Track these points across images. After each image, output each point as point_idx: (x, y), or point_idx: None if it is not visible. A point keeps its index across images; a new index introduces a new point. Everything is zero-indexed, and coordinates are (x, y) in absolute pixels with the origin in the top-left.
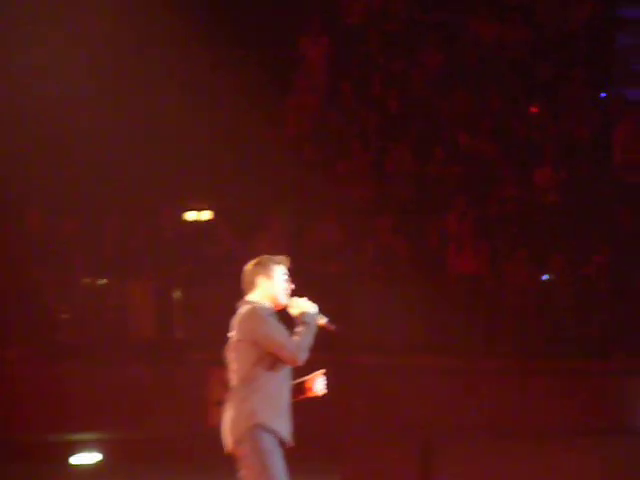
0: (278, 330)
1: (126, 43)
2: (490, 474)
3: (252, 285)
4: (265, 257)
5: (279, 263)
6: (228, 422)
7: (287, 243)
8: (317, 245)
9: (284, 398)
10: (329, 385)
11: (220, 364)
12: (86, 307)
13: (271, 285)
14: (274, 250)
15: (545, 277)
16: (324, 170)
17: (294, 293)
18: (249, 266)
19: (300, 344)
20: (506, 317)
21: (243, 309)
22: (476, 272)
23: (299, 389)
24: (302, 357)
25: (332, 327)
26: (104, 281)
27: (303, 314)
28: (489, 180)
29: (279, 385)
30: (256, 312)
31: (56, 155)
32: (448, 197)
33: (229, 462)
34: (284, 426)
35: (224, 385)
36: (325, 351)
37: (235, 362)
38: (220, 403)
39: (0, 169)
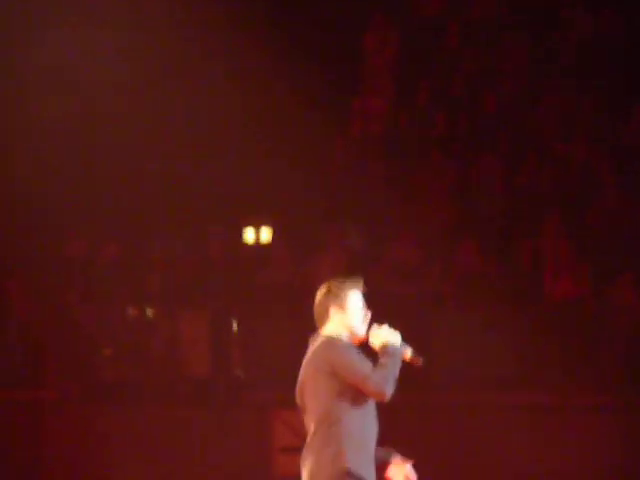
0: (360, 360)
1: (184, 51)
2: None
3: (325, 317)
4: (335, 283)
5: (352, 288)
6: (308, 473)
7: (354, 264)
8: (390, 267)
9: (371, 439)
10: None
11: (285, 405)
12: (131, 341)
13: (346, 316)
14: (340, 273)
15: None
16: (396, 184)
17: (372, 320)
18: (319, 296)
19: (386, 375)
20: (612, 346)
21: (318, 342)
22: (575, 296)
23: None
24: (389, 389)
25: (419, 361)
26: (151, 312)
27: (386, 345)
28: (588, 190)
29: (365, 423)
30: (334, 342)
31: (97, 175)
32: (541, 211)
33: None
34: (372, 473)
35: (290, 429)
36: (400, 389)
37: (311, 400)
38: (286, 450)
39: (39, 193)
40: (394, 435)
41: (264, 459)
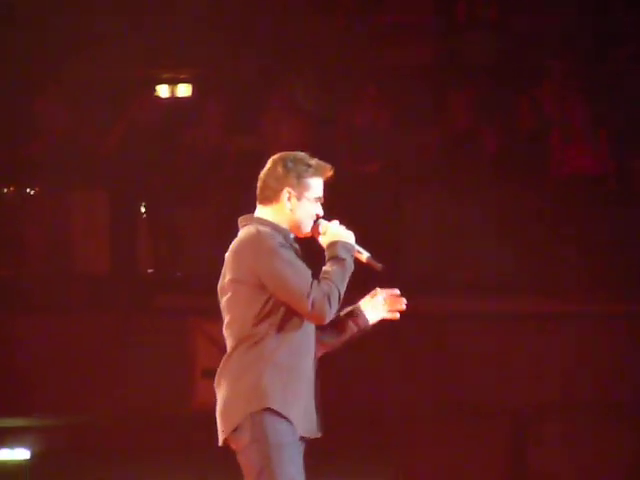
0: (295, 269)
1: None
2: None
3: (271, 197)
4: (299, 160)
5: (317, 174)
6: (221, 402)
7: (303, 130)
8: (350, 135)
9: (307, 368)
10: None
11: (207, 314)
12: (7, 231)
13: (298, 206)
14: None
15: None
16: (363, 21)
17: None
18: (272, 167)
19: (328, 291)
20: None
21: (244, 231)
22: (592, 171)
23: (351, 319)
24: (330, 311)
25: (377, 265)
26: (33, 192)
27: (335, 246)
28: (604, 33)
29: (298, 350)
30: (262, 238)
31: None
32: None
33: (218, 457)
34: (304, 413)
35: (214, 345)
36: (366, 292)
37: (230, 313)
38: (208, 373)
39: None
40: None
41: (181, 383)
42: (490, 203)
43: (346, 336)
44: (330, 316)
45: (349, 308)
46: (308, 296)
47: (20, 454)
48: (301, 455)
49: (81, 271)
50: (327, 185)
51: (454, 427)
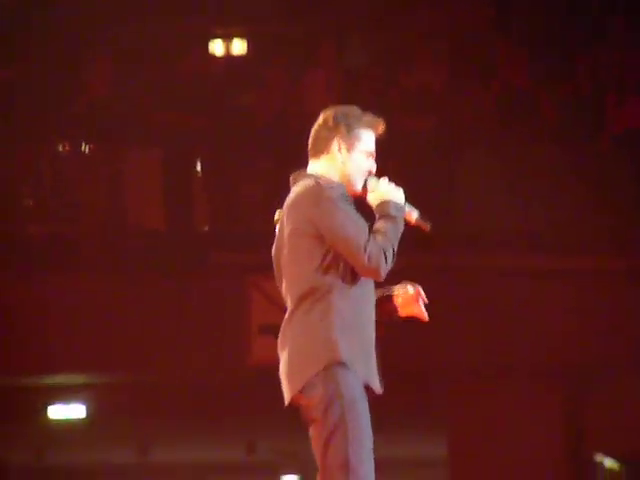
0: (352, 220)
1: None
2: None
3: (322, 150)
4: (349, 112)
5: (368, 127)
6: (288, 360)
7: (354, 90)
8: (404, 93)
9: (369, 324)
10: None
11: (264, 271)
12: (60, 187)
13: (349, 158)
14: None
15: None
16: None
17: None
18: (323, 120)
19: (383, 246)
20: None
21: (300, 185)
22: None
23: (383, 308)
24: (386, 266)
25: (426, 225)
26: (87, 148)
27: (386, 204)
28: None
29: (362, 300)
30: (321, 189)
31: None
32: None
33: (278, 417)
34: (371, 366)
35: (270, 301)
36: (417, 250)
37: (290, 269)
38: (266, 328)
39: None
40: None
41: (237, 339)
42: (542, 163)
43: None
44: (385, 271)
45: (385, 292)
46: (365, 249)
47: (76, 410)
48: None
49: (136, 229)
50: (379, 142)
51: (504, 386)
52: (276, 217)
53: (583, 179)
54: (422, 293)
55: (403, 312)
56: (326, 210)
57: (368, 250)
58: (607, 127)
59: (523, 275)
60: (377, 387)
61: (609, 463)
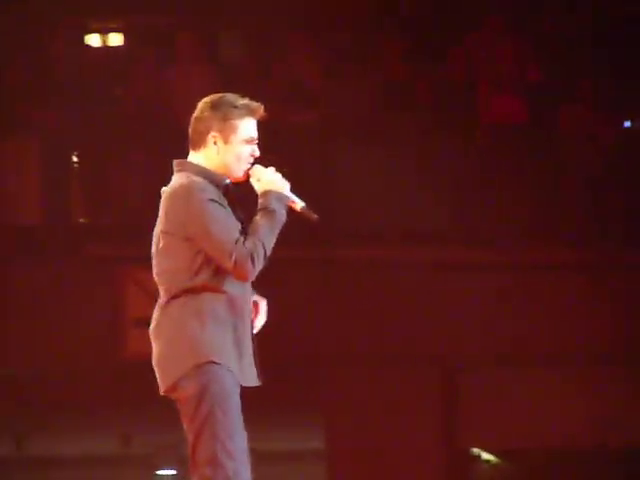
0: (220, 224)
1: None
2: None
3: (200, 142)
4: (227, 101)
5: (247, 114)
6: (161, 353)
7: (231, 82)
8: (283, 85)
9: (243, 321)
10: (311, 290)
11: (140, 263)
12: None
13: (228, 149)
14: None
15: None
16: None
17: (257, 160)
18: (200, 110)
19: (252, 248)
20: (572, 189)
21: (175, 180)
22: (517, 119)
23: None
24: (254, 268)
25: (312, 216)
26: None
27: (267, 195)
28: None
29: (237, 301)
30: (191, 191)
31: None
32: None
33: (154, 409)
34: (245, 363)
35: (146, 294)
36: (302, 244)
37: (162, 263)
38: (141, 321)
39: None
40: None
41: (112, 331)
42: (422, 153)
43: None
44: (253, 273)
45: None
46: (231, 255)
47: None
48: (239, 401)
49: (13, 221)
50: (261, 129)
51: (384, 374)
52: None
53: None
54: (260, 309)
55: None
56: (194, 214)
57: (235, 255)
58: (483, 119)
59: (402, 267)
60: (254, 381)
61: (486, 456)
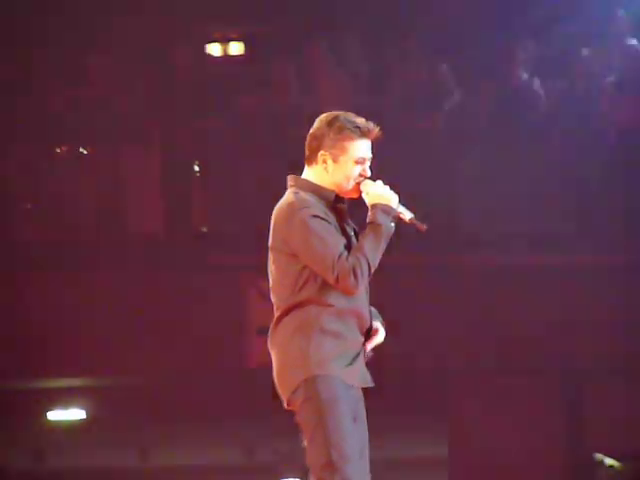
0: (323, 240)
1: None
2: None
3: (312, 159)
4: (342, 119)
5: (361, 136)
6: (276, 367)
7: (352, 92)
8: (400, 91)
9: (354, 333)
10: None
11: (264, 272)
12: (59, 189)
13: (335, 169)
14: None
15: None
16: None
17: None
18: (316, 127)
19: (354, 263)
20: None
21: (284, 197)
22: None
23: None
24: (357, 283)
25: (421, 226)
26: (86, 151)
27: (374, 209)
28: None
29: (344, 314)
30: (296, 208)
31: None
32: None
33: (277, 419)
34: (355, 370)
35: (268, 302)
36: (417, 249)
37: (272, 278)
38: (263, 330)
39: None
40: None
41: (236, 340)
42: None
43: None
44: (357, 288)
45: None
46: (333, 270)
47: (75, 414)
48: (359, 410)
49: (135, 230)
50: (377, 143)
51: (509, 382)
52: None
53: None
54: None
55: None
56: (297, 231)
57: (336, 272)
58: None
59: (528, 274)
60: (367, 381)
61: (609, 462)
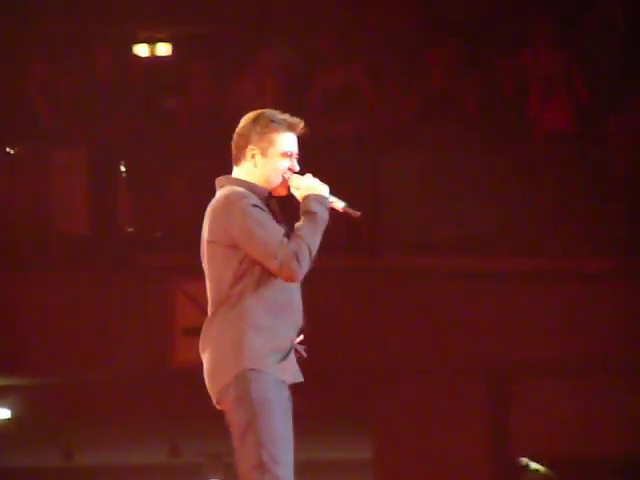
0: (264, 227)
1: None
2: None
3: (240, 156)
4: (268, 114)
5: (285, 130)
6: (207, 365)
7: (283, 89)
8: (326, 95)
9: (287, 327)
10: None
11: (189, 273)
12: None
13: (265, 162)
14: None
15: None
16: None
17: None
18: (242, 124)
19: (296, 248)
20: (618, 199)
21: (219, 193)
22: (570, 129)
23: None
24: (300, 269)
25: (355, 213)
26: (13, 150)
27: (307, 200)
28: None
29: (278, 308)
30: (234, 198)
31: None
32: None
33: (202, 418)
34: (287, 363)
35: (195, 304)
36: (348, 251)
37: (209, 275)
38: (190, 331)
39: None
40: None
41: (162, 340)
42: (469, 162)
43: None
44: (300, 274)
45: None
46: (276, 256)
47: (1, 413)
48: (289, 409)
49: (62, 230)
50: (302, 143)
51: (433, 384)
52: None
53: (511, 179)
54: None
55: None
56: (238, 220)
57: (279, 257)
58: (534, 128)
59: (452, 277)
60: (297, 376)
61: (534, 466)
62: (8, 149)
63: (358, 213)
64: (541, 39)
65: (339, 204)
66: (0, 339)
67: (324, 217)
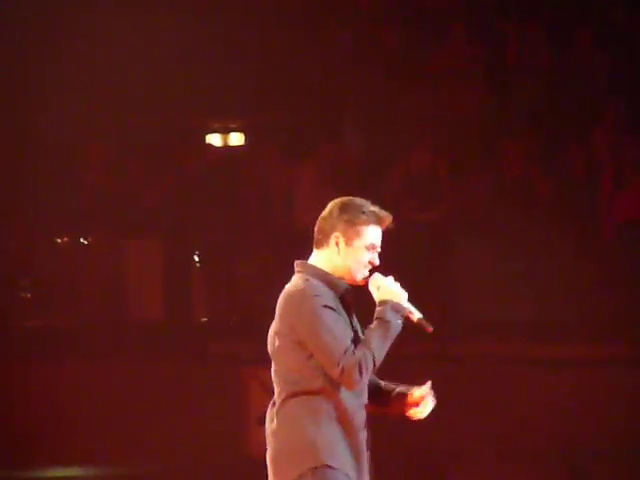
0: (332, 333)
1: None
2: None
3: (323, 241)
4: (358, 203)
5: (375, 222)
6: (275, 452)
7: (351, 175)
8: (400, 182)
9: (359, 424)
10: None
11: (264, 362)
12: (61, 279)
13: (349, 253)
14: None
15: None
16: (408, 65)
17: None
18: (330, 209)
19: (361, 358)
20: None
21: (292, 282)
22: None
23: (398, 401)
24: (361, 379)
25: (428, 327)
26: (87, 241)
27: (383, 306)
28: None
29: (352, 405)
30: (306, 296)
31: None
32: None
33: None
34: (361, 468)
35: (269, 393)
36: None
37: (278, 362)
38: (264, 421)
39: None
40: None
41: (236, 431)
42: (542, 250)
43: (386, 410)
44: (360, 383)
45: (403, 389)
46: (339, 364)
47: None
48: None
49: (136, 319)
50: (386, 234)
51: (511, 469)
52: None
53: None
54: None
55: (408, 410)
56: (307, 321)
57: (342, 364)
58: (606, 216)
59: (525, 363)
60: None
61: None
62: (82, 239)
63: (431, 328)
64: (611, 123)
65: (415, 315)
66: (75, 428)
67: (397, 327)
